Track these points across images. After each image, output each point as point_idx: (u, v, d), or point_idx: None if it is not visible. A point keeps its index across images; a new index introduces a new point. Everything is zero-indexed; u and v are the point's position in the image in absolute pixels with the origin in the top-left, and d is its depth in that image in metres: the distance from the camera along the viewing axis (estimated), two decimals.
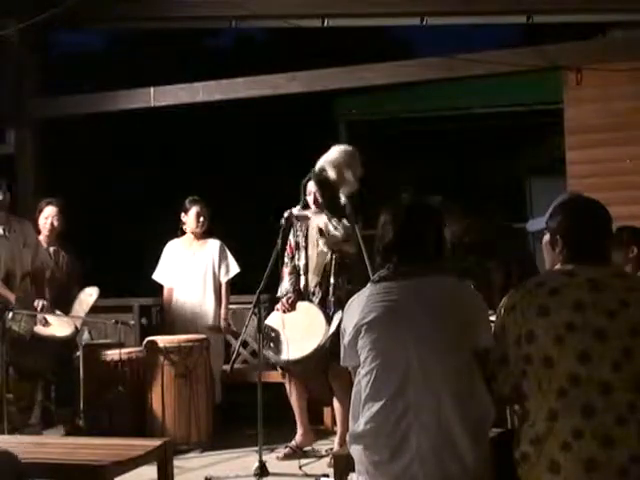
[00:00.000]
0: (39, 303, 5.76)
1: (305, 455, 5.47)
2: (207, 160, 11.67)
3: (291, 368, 5.41)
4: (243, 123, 11.28)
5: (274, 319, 5.46)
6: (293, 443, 5.53)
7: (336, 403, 5.41)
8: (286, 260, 5.60)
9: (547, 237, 2.81)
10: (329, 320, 5.28)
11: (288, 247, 5.59)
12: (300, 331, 5.31)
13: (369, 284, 2.95)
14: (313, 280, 5.49)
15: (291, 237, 5.60)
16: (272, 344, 5.33)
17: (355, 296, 2.98)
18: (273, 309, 5.63)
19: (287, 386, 5.55)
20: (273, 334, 5.35)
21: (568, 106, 6.85)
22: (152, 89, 7.56)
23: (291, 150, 10.78)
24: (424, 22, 7.06)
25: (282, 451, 5.47)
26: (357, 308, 2.89)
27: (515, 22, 7.43)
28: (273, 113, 10.08)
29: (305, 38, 10.10)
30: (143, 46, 12.87)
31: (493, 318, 2.87)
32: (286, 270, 5.58)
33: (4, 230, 5.70)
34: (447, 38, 9.73)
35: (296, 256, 5.58)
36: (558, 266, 2.76)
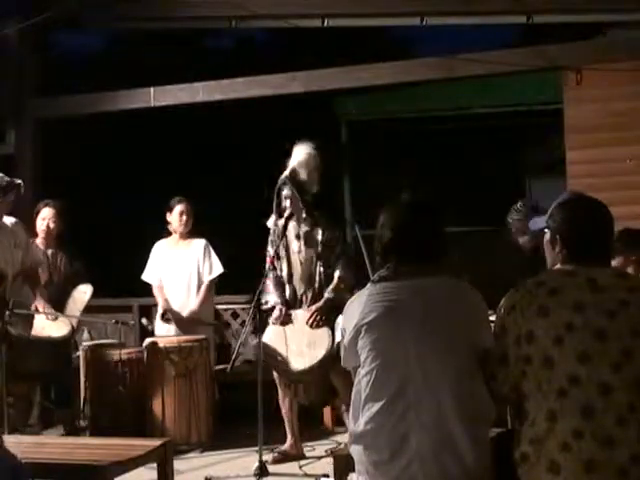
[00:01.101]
0: (39, 304, 5.76)
1: (298, 458, 5.42)
2: (207, 160, 11.67)
3: (301, 378, 5.35)
4: (243, 123, 11.27)
5: (274, 334, 5.38)
6: (282, 449, 5.48)
7: (343, 403, 5.40)
8: (267, 272, 5.51)
9: (547, 236, 2.81)
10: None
11: (268, 258, 5.51)
12: (305, 340, 5.29)
13: (369, 284, 2.95)
14: (301, 288, 5.48)
15: (269, 248, 5.55)
16: (279, 358, 5.27)
17: (355, 296, 2.98)
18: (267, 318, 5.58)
19: (280, 396, 5.51)
20: (277, 350, 5.28)
21: (568, 106, 6.85)
22: (152, 89, 7.56)
23: (291, 150, 10.76)
24: (424, 22, 7.06)
25: (271, 455, 5.39)
26: (357, 308, 2.89)
27: (515, 22, 7.42)
28: (273, 113, 10.08)
29: (305, 38, 10.10)
30: (143, 46, 12.87)
31: (493, 318, 2.87)
32: (269, 282, 5.50)
33: None
34: (447, 38, 9.73)
35: (277, 267, 5.53)
36: (558, 266, 2.76)
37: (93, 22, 8.15)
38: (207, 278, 6.44)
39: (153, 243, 6.63)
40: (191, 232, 6.50)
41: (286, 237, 5.48)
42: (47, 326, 5.79)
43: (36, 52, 7.92)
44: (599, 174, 6.50)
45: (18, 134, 7.71)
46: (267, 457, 5.16)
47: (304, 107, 9.73)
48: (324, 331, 5.27)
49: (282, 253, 5.50)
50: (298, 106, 9.52)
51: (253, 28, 10.31)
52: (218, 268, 6.45)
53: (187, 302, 6.40)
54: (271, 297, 5.48)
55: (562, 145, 6.92)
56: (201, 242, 6.50)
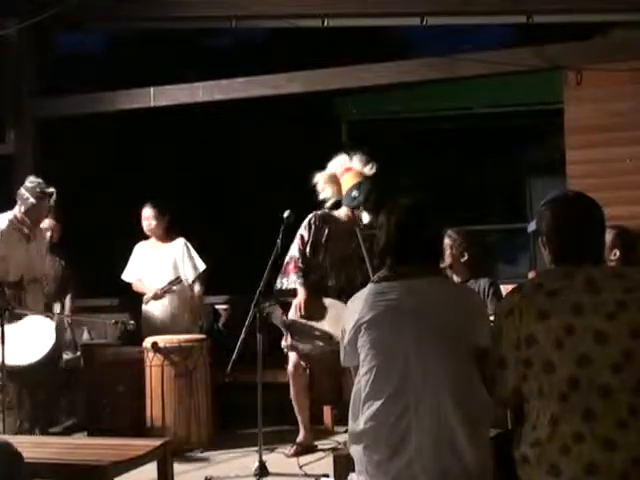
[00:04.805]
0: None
1: (314, 449, 5.52)
2: (207, 160, 11.66)
3: (322, 357, 5.36)
4: (243, 123, 11.26)
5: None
6: (298, 441, 5.55)
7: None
8: (297, 255, 5.50)
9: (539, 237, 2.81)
10: None
11: (299, 241, 5.51)
12: (328, 321, 5.33)
13: (369, 284, 2.96)
14: (331, 277, 5.53)
15: (304, 232, 5.53)
16: (300, 336, 5.32)
17: (356, 295, 2.99)
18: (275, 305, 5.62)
19: (292, 383, 5.55)
20: (301, 327, 5.34)
21: (568, 106, 6.84)
22: (152, 89, 7.56)
23: (291, 150, 10.77)
24: (424, 22, 7.05)
25: (290, 449, 5.48)
26: (357, 307, 2.90)
27: (515, 22, 7.41)
28: (273, 113, 10.08)
29: (305, 38, 10.09)
30: (143, 46, 12.85)
31: (493, 318, 2.87)
32: (292, 265, 5.51)
33: (29, 235, 5.71)
34: (447, 38, 9.72)
35: (316, 252, 5.56)
36: (553, 267, 2.75)
37: (93, 22, 8.15)
38: (192, 277, 6.43)
39: None
40: (169, 233, 6.51)
41: (330, 226, 5.55)
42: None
43: (36, 52, 7.91)
44: (599, 174, 6.49)
45: (18, 134, 7.71)
46: (267, 457, 5.15)
47: (304, 107, 9.72)
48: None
49: (323, 240, 5.54)
50: (298, 106, 9.52)
51: (253, 28, 10.30)
52: (201, 265, 6.44)
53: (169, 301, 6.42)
54: (290, 279, 5.48)
55: (562, 145, 6.91)
56: (180, 242, 6.50)
